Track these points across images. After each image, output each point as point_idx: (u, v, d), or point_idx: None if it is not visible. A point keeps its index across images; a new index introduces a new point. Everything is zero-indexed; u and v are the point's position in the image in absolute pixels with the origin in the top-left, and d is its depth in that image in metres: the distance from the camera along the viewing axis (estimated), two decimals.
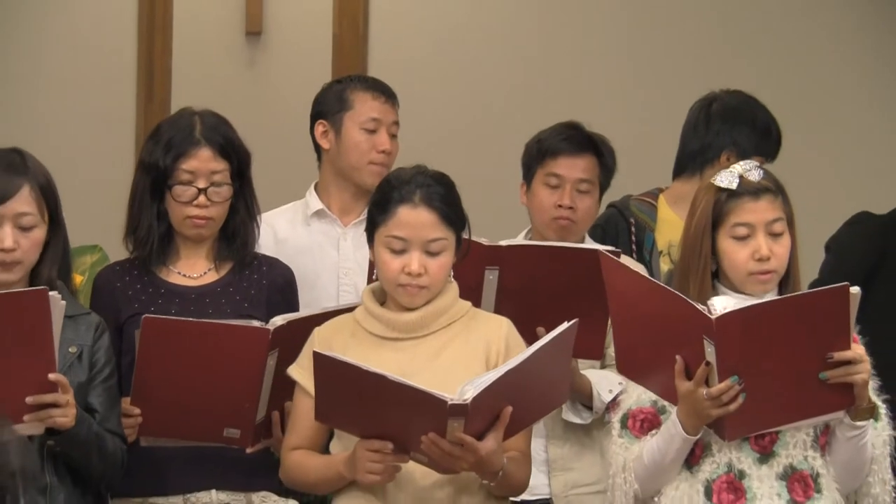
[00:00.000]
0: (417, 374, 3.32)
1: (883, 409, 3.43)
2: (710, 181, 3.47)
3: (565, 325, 3.36)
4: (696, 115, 4.54)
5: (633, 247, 4.43)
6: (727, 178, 3.44)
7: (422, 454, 3.28)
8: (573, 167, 4.12)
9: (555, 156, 4.13)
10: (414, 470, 3.34)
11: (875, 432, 3.40)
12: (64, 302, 3.35)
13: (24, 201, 3.48)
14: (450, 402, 3.17)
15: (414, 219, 3.41)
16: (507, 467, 3.35)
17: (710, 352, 3.25)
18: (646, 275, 3.77)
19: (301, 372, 3.49)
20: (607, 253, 3.58)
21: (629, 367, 3.48)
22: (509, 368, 3.24)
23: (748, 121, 4.46)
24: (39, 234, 3.51)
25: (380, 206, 3.46)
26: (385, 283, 3.46)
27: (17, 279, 3.48)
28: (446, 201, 3.45)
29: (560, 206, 4.11)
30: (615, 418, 3.52)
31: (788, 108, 5.49)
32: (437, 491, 3.40)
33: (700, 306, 3.27)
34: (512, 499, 3.75)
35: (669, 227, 4.40)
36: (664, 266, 4.37)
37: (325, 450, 3.52)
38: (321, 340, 3.49)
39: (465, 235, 3.52)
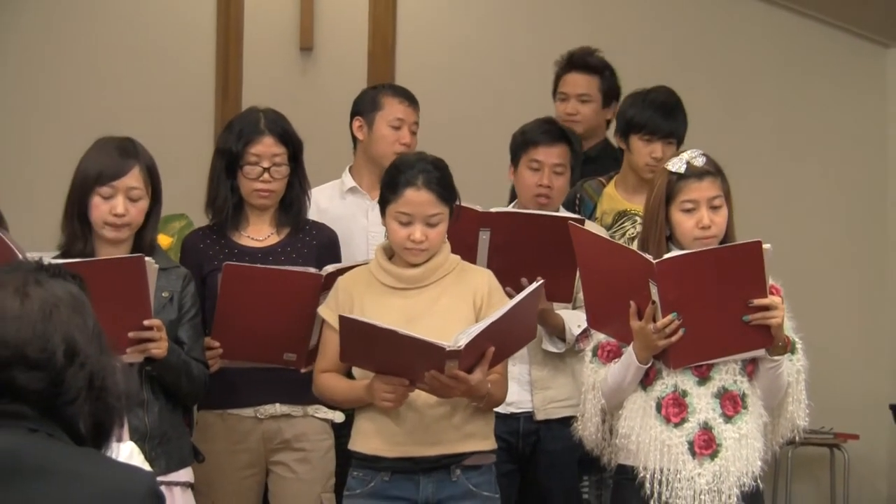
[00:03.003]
0: (421, 317, 3.71)
1: (799, 344, 3.75)
2: (664, 166, 3.73)
3: (535, 284, 3.71)
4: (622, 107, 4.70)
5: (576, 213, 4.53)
6: (677, 163, 3.69)
7: (425, 385, 3.63)
8: (550, 154, 4.43)
9: (536, 145, 4.44)
10: (419, 393, 3.68)
11: (790, 363, 3.72)
12: (157, 266, 3.65)
13: (134, 178, 3.77)
14: (447, 349, 3.50)
15: (417, 198, 3.73)
16: (490, 389, 3.68)
17: (654, 292, 3.52)
18: (606, 236, 4.14)
19: (328, 311, 3.80)
20: (574, 222, 3.87)
21: (597, 321, 3.74)
22: (492, 321, 3.53)
23: (654, 106, 4.54)
24: (144, 204, 3.79)
25: (390, 187, 3.78)
26: (394, 246, 3.80)
27: (125, 238, 3.79)
28: (442, 183, 3.76)
29: (540, 185, 4.41)
30: (588, 348, 3.81)
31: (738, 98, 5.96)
32: (437, 409, 3.74)
33: (646, 255, 3.54)
34: (502, 412, 4.21)
35: (608, 200, 4.68)
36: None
37: (349, 371, 3.84)
38: (343, 288, 3.81)
39: (457, 203, 3.81)
